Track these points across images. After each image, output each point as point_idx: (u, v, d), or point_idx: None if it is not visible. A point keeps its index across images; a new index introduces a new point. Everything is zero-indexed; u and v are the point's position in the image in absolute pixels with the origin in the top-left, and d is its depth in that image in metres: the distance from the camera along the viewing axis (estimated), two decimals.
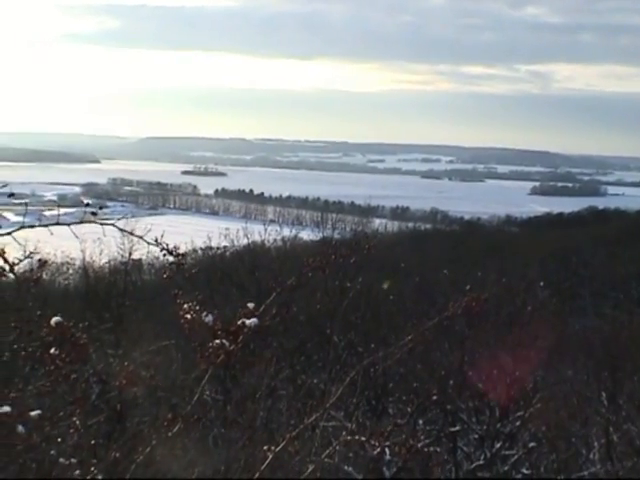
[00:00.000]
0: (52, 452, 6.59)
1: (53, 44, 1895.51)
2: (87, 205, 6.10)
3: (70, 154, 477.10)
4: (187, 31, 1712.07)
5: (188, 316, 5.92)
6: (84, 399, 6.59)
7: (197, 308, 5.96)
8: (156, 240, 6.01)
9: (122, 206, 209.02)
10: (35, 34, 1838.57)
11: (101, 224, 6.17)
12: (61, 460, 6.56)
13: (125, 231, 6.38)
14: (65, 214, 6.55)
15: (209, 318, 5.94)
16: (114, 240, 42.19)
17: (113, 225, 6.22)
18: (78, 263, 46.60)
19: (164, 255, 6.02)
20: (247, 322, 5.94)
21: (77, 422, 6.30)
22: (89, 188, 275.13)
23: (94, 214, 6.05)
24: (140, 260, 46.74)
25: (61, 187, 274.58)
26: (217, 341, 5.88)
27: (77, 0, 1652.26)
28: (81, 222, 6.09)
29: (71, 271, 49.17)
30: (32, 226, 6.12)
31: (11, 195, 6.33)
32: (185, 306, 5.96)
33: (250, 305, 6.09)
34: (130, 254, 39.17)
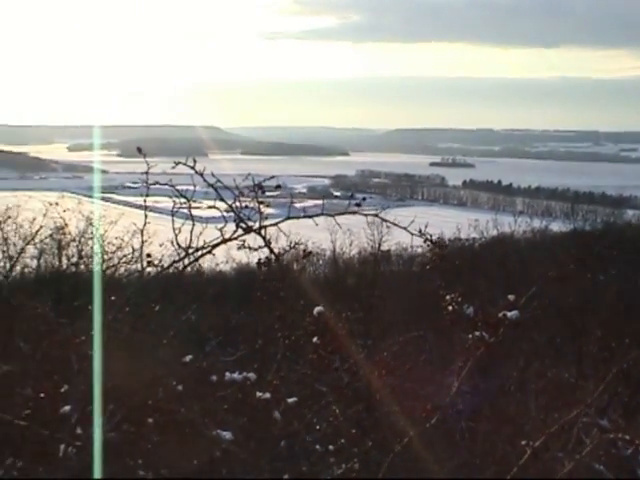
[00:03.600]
0: (308, 438, 6.70)
1: (294, 40, 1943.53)
2: (351, 197, 6.18)
3: (320, 147, 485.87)
4: (429, 23, 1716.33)
5: (450, 308, 5.88)
6: (341, 388, 6.68)
7: (459, 300, 5.90)
8: (420, 231, 5.99)
9: (370, 198, 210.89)
10: (272, 31, 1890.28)
11: (365, 215, 6.23)
12: (317, 447, 6.67)
13: (389, 222, 6.39)
14: (315, 206, 6.64)
15: (470, 310, 5.88)
16: (364, 232, 42.85)
17: (376, 216, 6.27)
18: (328, 254, 47.47)
19: (427, 246, 6.01)
20: (508, 314, 5.83)
21: (336, 410, 6.38)
22: (338, 180, 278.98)
23: (358, 205, 6.12)
24: (389, 251, 47.07)
25: (311, 179, 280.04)
26: (477, 333, 5.81)
27: None
28: (344, 213, 6.17)
29: (321, 262, 50.11)
30: (297, 217, 6.25)
31: (278, 187, 6.49)
32: (447, 298, 5.92)
33: (510, 297, 5.98)
34: (379, 245, 39.62)
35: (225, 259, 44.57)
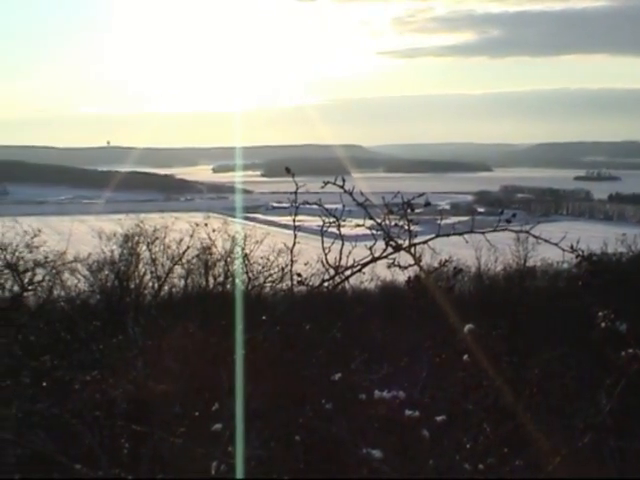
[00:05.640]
0: (457, 457, 6.66)
1: (432, 57, 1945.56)
2: (501, 213, 6.15)
3: (462, 163, 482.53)
4: (568, 35, 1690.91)
5: (603, 324, 5.78)
6: (490, 406, 6.63)
7: (612, 316, 5.79)
8: (571, 247, 5.93)
9: (513, 215, 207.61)
10: (411, 48, 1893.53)
11: (515, 232, 6.21)
12: (466, 466, 6.61)
13: (540, 238, 6.34)
14: (458, 222, 6.63)
15: (623, 327, 5.77)
16: (508, 248, 42.44)
17: (527, 232, 6.23)
18: (473, 270, 47.14)
19: (580, 262, 5.93)
20: None
21: (487, 429, 6.33)
22: (481, 196, 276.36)
23: (509, 222, 6.09)
24: (534, 267, 46.49)
25: (454, 196, 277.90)
26: (630, 350, 5.70)
27: (456, 13, 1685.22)
28: (494, 230, 6.15)
29: (466, 278, 49.81)
30: (447, 234, 6.27)
31: (427, 204, 6.52)
32: (600, 314, 5.82)
33: None
34: (525, 261, 39.20)
35: (370, 277, 44.66)
